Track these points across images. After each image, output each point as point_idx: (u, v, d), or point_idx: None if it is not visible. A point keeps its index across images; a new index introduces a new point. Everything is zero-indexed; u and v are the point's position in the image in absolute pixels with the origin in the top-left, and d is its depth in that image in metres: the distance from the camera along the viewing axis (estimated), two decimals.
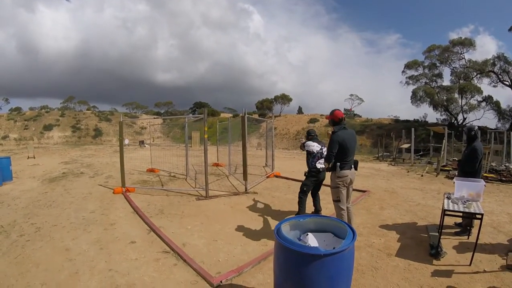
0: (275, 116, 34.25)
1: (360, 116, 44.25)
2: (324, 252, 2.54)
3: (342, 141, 4.85)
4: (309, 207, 6.66)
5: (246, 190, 9.11)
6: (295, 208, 6.67)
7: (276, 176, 11.75)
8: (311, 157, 6.35)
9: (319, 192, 6.87)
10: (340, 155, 4.89)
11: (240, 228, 6.06)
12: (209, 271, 4.27)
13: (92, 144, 40.35)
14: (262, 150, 21.28)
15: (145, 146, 30.74)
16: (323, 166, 6.18)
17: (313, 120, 37.19)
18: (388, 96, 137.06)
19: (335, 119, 5.10)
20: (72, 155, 22.71)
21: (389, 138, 24.27)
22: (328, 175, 5.33)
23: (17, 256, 5.03)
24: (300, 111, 55.25)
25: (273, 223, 6.22)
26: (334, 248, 2.80)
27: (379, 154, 21.32)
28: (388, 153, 21.89)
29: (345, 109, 52.42)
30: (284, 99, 48.86)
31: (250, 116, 12.55)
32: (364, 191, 8.79)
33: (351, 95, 52.75)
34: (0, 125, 42.96)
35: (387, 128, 30.29)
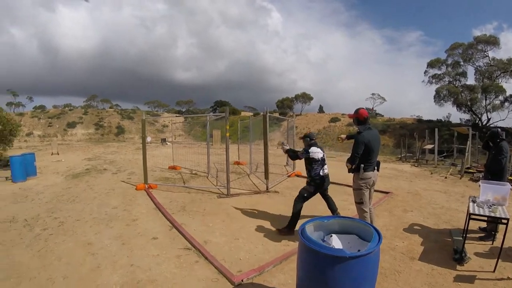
0: (296, 115, 34.14)
1: (382, 116, 43.69)
2: (349, 254, 2.47)
3: (367, 142, 4.67)
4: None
5: (267, 189, 9.04)
6: (316, 209, 6.59)
7: (297, 176, 11.63)
8: (316, 164, 5.82)
9: (328, 194, 6.36)
10: (365, 157, 4.71)
11: (261, 227, 6.00)
12: (230, 269, 4.24)
13: (115, 141, 40.88)
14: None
15: (167, 144, 30.94)
16: (327, 171, 5.99)
17: (334, 120, 36.92)
18: (410, 95, 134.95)
19: (360, 118, 4.89)
20: (95, 152, 23.03)
21: (412, 138, 23.85)
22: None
23: (40, 249, 5.09)
24: (321, 110, 54.94)
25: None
26: (358, 250, 2.76)
27: (402, 155, 20.95)
28: (411, 154, 21.49)
29: (366, 108, 51.85)
30: (304, 97, 48.69)
31: (271, 114, 12.45)
32: (387, 193, 8.61)
33: (373, 94, 52.14)
34: (24, 122, 43.83)
35: (410, 128, 29.82)
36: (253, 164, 12.56)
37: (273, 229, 5.92)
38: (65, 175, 12.19)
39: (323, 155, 5.95)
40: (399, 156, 21.16)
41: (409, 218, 6.56)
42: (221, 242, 5.28)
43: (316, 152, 5.79)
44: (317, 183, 5.85)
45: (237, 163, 14.75)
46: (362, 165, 4.72)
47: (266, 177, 9.11)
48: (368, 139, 4.71)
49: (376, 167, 4.92)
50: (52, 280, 4.11)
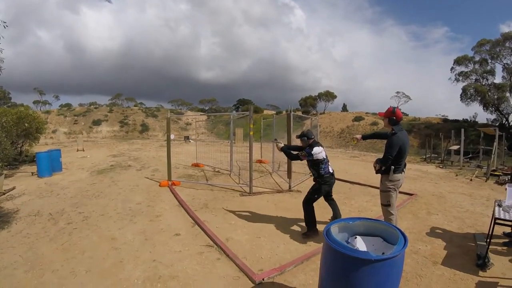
0: (315, 114, 33.88)
1: (407, 115, 42.91)
2: (375, 257, 2.43)
3: (402, 144, 4.50)
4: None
5: (289, 188, 8.96)
6: (339, 208, 6.39)
7: None
8: (322, 163, 5.50)
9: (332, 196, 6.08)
10: (396, 158, 4.53)
11: (283, 227, 5.92)
12: (252, 268, 4.20)
13: (139, 139, 41.39)
14: None
15: (190, 141, 31.18)
16: (332, 169, 5.68)
17: (358, 118, 36.40)
18: (435, 93, 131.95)
19: (397, 118, 4.65)
20: (120, 149, 23.37)
21: (438, 138, 23.33)
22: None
23: (63, 243, 5.16)
24: (344, 108, 54.31)
25: (317, 225, 6.01)
26: (383, 253, 2.72)
27: (427, 155, 20.54)
28: (436, 155, 21.04)
29: (390, 107, 51.19)
30: (328, 96, 48.28)
31: (295, 113, 12.32)
32: (411, 194, 8.39)
33: (397, 92, 51.23)
34: (50, 119, 44.86)
35: (436, 128, 29.09)
36: (275, 162, 12.46)
37: (296, 229, 5.85)
38: (90, 171, 12.39)
39: (325, 152, 5.66)
40: (424, 157, 20.72)
41: (433, 221, 6.37)
42: (243, 240, 5.24)
43: (319, 153, 5.47)
44: (327, 180, 5.56)
45: (260, 161, 14.71)
46: (392, 167, 4.56)
47: (289, 176, 9.03)
48: (403, 140, 4.55)
49: (403, 169, 4.76)
50: (75, 273, 4.15)
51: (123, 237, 5.39)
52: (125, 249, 4.88)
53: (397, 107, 4.79)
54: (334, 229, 3.01)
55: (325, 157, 5.56)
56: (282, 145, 5.86)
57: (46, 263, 4.47)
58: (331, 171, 5.61)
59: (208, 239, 5.28)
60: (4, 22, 5.11)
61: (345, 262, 2.53)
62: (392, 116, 4.66)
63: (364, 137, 5.37)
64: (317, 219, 5.64)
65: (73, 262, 4.48)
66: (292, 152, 5.78)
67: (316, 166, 5.53)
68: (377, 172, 4.78)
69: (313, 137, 5.77)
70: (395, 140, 4.50)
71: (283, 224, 6.07)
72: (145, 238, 5.32)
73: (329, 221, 6.05)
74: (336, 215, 5.87)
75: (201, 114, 47.66)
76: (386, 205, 4.73)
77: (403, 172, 4.71)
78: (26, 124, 14.14)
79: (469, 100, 30.16)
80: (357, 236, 3.07)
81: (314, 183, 5.71)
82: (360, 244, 2.98)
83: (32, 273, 4.17)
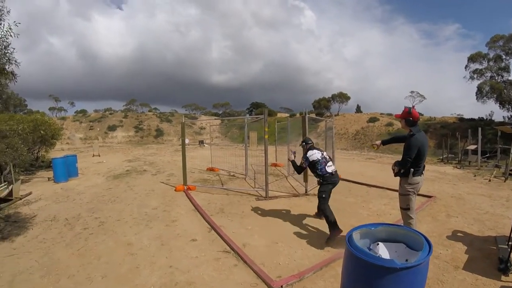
0: (330, 116, 33.62)
1: (422, 115, 42.33)
2: (400, 265, 2.34)
3: (421, 146, 4.38)
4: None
5: (306, 191, 8.84)
6: (357, 212, 6.44)
7: None
8: (318, 164, 5.80)
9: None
10: (415, 161, 4.40)
11: (300, 231, 5.83)
12: (270, 274, 4.11)
13: (154, 144, 41.75)
14: None
15: (204, 146, 31.24)
16: (334, 168, 5.89)
17: (372, 119, 36.00)
18: (449, 91, 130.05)
19: (414, 118, 4.56)
20: (135, 154, 23.52)
21: (454, 138, 22.92)
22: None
23: (79, 248, 5.16)
24: (358, 109, 53.76)
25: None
26: (406, 260, 2.65)
27: (444, 156, 20.18)
28: (453, 155, 20.67)
29: (405, 107, 50.59)
30: (342, 97, 47.99)
31: (310, 116, 12.21)
32: (429, 197, 8.20)
33: (412, 92, 50.41)
34: (66, 125, 45.58)
35: (452, 128, 28.58)
36: (291, 166, 12.35)
37: (313, 234, 5.75)
38: (106, 176, 12.44)
39: (322, 154, 5.93)
40: (441, 158, 20.35)
41: (452, 224, 6.19)
42: (260, 246, 5.15)
43: (312, 154, 5.87)
44: (327, 179, 5.75)
45: (275, 164, 14.59)
46: (412, 170, 4.43)
47: (305, 180, 8.91)
48: (422, 142, 4.42)
49: (422, 171, 4.62)
50: (91, 279, 4.14)
51: (139, 242, 5.37)
52: (141, 255, 4.85)
53: (413, 107, 4.63)
54: (356, 236, 2.93)
55: (320, 158, 5.82)
56: (293, 158, 6.34)
57: (62, 268, 4.46)
58: (329, 171, 5.75)
59: (225, 244, 5.21)
60: (15, 32, 5.09)
61: (368, 270, 2.45)
62: (408, 117, 4.58)
63: (384, 143, 5.26)
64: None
65: (89, 267, 4.47)
66: (296, 163, 6.17)
67: (313, 167, 5.86)
68: (395, 175, 4.66)
69: (310, 142, 6.25)
70: (414, 141, 4.38)
71: (300, 229, 5.98)
72: (161, 244, 5.28)
73: (314, 215, 6.62)
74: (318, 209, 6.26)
75: (215, 119, 47.78)
76: (405, 208, 4.60)
77: (422, 175, 4.59)
78: (42, 131, 14.32)
79: (484, 98, 29.61)
80: (379, 243, 2.99)
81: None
82: (383, 250, 2.90)
83: (48, 279, 4.17)
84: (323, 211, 5.66)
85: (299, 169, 6.09)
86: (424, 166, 4.60)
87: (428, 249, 2.54)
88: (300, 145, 6.58)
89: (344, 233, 5.36)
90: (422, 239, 2.70)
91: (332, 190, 5.83)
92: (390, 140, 5.31)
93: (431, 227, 6.02)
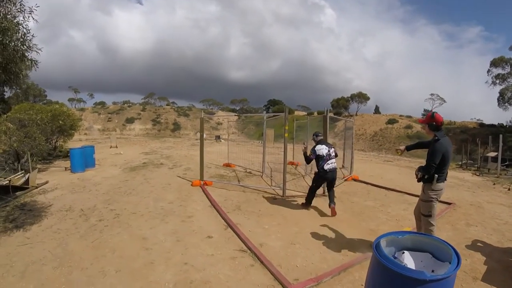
0: (350, 116, 33.29)
1: None
2: (429, 277, 2.28)
3: (445, 151, 4.25)
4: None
5: (324, 192, 8.63)
6: (376, 217, 6.43)
7: (354, 180, 11.11)
8: (321, 160, 6.73)
9: (333, 188, 7.07)
10: (439, 166, 4.28)
11: (318, 233, 5.66)
12: (287, 277, 3.99)
13: (171, 137, 42.07)
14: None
15: (220, 141, 31.28)
16: (332, 166, 6.77)
17: (391, 121, 35.66)
18: (470, 96, 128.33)
19: (437, 123, 4.42)
20: (152, 147, 23.67)
21: (474, 144, 22.39)
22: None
23: (94, 240, 5.12)
24: (377, 110, 53.43)
25: (352, 232, 5.75)
26: (432, 271, 2.62)
27: (463, 162, 19.71)
28: (472, 161, 20.18)
29: (425, 110, 49.93)
30: (361, 97, 47.69)
31: (332, 115, 12.06)
32: (449, 204, 7.97)
33: (432, 94, 49.87)
34: (85, 117, 46.28)
35: (472, 133, 28.13)
36: (308, 165, 12.17)
37: (331, 236, 5.58)
38: (122, 168, 12.47)
39: (328, 151, 6.80)
40: (460, 163, 19.91)
41: (472, 234, 5.97)
42: (277, 246, 5.03)
43: (320, 149, 6.76)
44: (321, 175, 6.82)
45: (292, 163, 14.38)
46: (436, 176, 4.30)
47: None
48: (446, 147, 4.30)
49: (446, 178, 4.49)
50: (104, 272, 4.10)
51: (154, 237, 5.29)
52: (156, 250, 4.78)
53: (436, 112, 4.44)
54: (382, 243, 2.83)
55: (324, 155, 6.72)
56: (305, 149, 7.02)
57: (76, 260, 4.43)
58: (326, 168, 6.70)
59: (241, 243, 5.10)
60: (34, 17, 5.02)
61: (396, 280, 2.39)
62: (431, 121, 4.46)
63: (408, 148, 5.16)
64: (351, 227, 5.86)
65: (103, 260, 4.42)
66: (307, 154, 6.94)
67: (317, 161, 6.81)
68: (419, 181, 4.52)
69: (320, 135, 7.23)
70: (438, 147, 4.26)
71: (318, 230, 5.81)
72: (177, 239, 5.20)
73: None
74: (330, 200, 6.92)
75: (234, 115, 47.94)
76: (427, 215, 4.51)
77: (445, 181, 4.47)
78: (61, 121, 14.44)
79: (506, 104, 29.02)
80: (404, 251, 2.90)
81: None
82: (408, 260, 2.81)
83: (60, 270, 4.14)
84: (309, 189, 7.17)
85: (307, 159, 7.01)
86: (447, 173, 4.49)
87: (457, 261, 2.50)
88: (312, 139, 7.32)
89: (362, 236, 5.54)
90: (451, 250, 2.63)
91: (324, 182, 7.11)
92: (415, 146, 5.20)
93: (450, 235, 5.83)
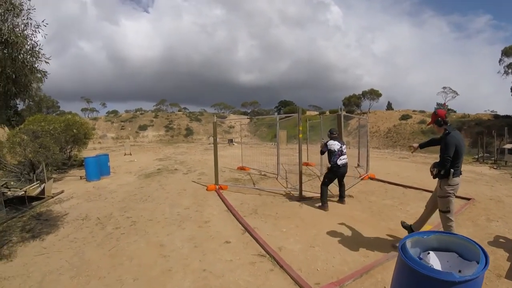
0: (363, 113, 32.93)
1: (455, 111, 41.02)
2: (458, 279, 2.19)
3: (458, 144, 4.24)
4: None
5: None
6: (395, 215, 6.32)
7: (371, 179, 10.94)
8: (333, 155, 7.05)
9: (343, 181, 7.57)
10: (453, 160, 4.25)
11: (337, 235, 5.54)
12: (308, 281, 3.89)
13: (184, 142, 42.34)
14: (350, 149, 20.37)
15: (233, 144, 31.27)
16: (344, 161, 7.12)
17: (405, 117, 35.10)
18: (482, 87, 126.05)
19: (442, 117, 4.49)
20: (166, 153, 23.79)
21: (490, 136, 21.94)
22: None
23: (111, 249, 5.09)
24: (389, 106, 52.81)
25: (372, 232, 5.64)
26: (459, 271, 2.52)
27: (479, 155, 19.32)
28: (488, 154, 19.78)
29: (437, 104, 49.35)
30: (372, 94, 47.27)
31: (346, 114, 11.88)
32: (468, 199, 7.78)
33: (444, 87, 49.06)
34: (98, 125, 46.89)
35: (486, 125, 27.51)
36: (323, 165, 12.03)
37: (351, 237, 5.46)
38: (137, 175, 12.52)
39: (340, 147, 7.11)
40: (476, 157, 19.52)
41: (493, 229, 5.80)
42: (296, 250, 4.92)
43: (332, 145, 7.08)
44: (333, 170, 7.10)
45: (306, 164, 14.25)
46: (452, 170, 4.26)
47: None
48: (458, 139, 4.29)
49: (461, 171, 4.46)
50: (122, 281, 4.05)
51: (171, 243, 5.24)
52: (173, 257, 4.72)
53: (442, 105, 4.48)
54: (408, 244, 2.73)
55: (336, 150, 7.04)
56: (323, 144, 7.43)
57: (93, 269, 4.40)
58: (339, 163, 7.03)
59: (260, 247, 5.01)
60: (43, 32, 5.01)
61: (423, 283, 2.32)
62: (437, 118, 4.55)
63: (421, 146, 5.22)
64: (370, 227, 5.79)
65: (120, 269, 4.38)
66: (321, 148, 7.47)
67: (329, 155, 7.16)
68: (434, 177, 4.50)
69: (335, 133, 7.41)
70: (450, 139, 4.26)
71: (336, 232, 5.69)
72: (194, 246, 5.13)
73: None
74: (341, 195, 7.62)
75: (246, 118, 48.01)
76: (445, 211, 4.47)
77: (461, 175, 4.46)
78: (74, 130, 14.60)
79: None
80: (430, 252, 2.80)
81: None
82: (434, 260, 2.73)
83: (78, 280, 4.11)
84: (321, 190, 7.18)
85: (321, 151, 7.58)
86: (461, 167, 4.47)
87: (485, 261, 2.38)
88: (327, 135, 7.56)
89: (382, 236, 5.47)
90: (478, 249, 2.54)
91: (337, 176, 7.28)
92: (428, 143, 5.19)
93: (471, 231, 5.67)
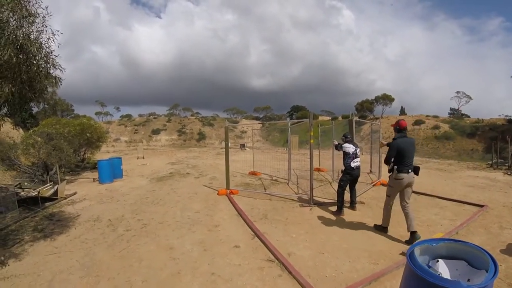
0: (376, 118, 32.68)
1: (469, 116, 40.50)
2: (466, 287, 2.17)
3: (399, 148, 5.41)
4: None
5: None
6: (404, 222, 6.04)
7: (383, 185, 10.83)
8: (347, 157, 7.26)
9: (355, 187, 7.70)
10: (398, 160, 5.46)
11: (347, 241, 5.50)
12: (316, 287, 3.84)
13: (196, 147, 42.44)
14: (363, 155, 20.19)
15: (245, 149, 31.28)
16: (357, 164, 7.33)
17: (418, 122, 34.68)
18: (496, 91, 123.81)
19: (400, 127, 5.68)
20: (178, 157, 23.84)
21: (504, 141, 21.51)
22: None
23: (121, 250, 5.12)
24: (402, 111, 52.29)
25: (382, 238, 5.63)
26: (468, 280, 2.51)
27: (493, 161, 18.96)
28: (502, 160, 19.40)
29: (451, 109, 48.93)
30: (385, 99, 46.89)
31: (359, 119, 11.86)
32: (481, 206, 7.67)
33: (458, 92, 48.70)
34: (112, 129, 47.42)
35: (501, 130, 26.96)
36: (335, 171, 11.96)
37: (361, 245, 5.40)
38: (149, 178, 12.60)
39: (355, 150, 7.33)
40: (490, 163, 19.16)
41: (506, 237, 5.70)
42: (306, 256, 4.90)
43: (348, 147, 7.31)
44: (348, 172, 7.25)
45: (318, 169, 14.17)
46: (396, 167, 5.49)
47: None
48: (401, 145, 5.45)
49: (412, 171, 5.58)
50: (131, 282, 4.08)
51: (181, 246, 5.26)
52: (183, 260, 4.74)
53: (402, 119, 5.24)
54: (416, 252, 2.70)
55: (350, 153, 7.25)
56: (337, 143, 7.93)
57: (103, 270, 4.44)
58: (353, 165, 7.22)
59: (269, 253, 5.01)
60: (57, 41, 5.07)
61: None
62: (396, 125, 5.78)
63: (388, 144, 6.02)
64: (380, 234, 5.91)
65: (129, 270, 4.41)
66: (337, 147, 7.79)
67: (344, 158, 7.39)
68: (388, 172, 5.72)
69: (349, 137, 7.69)
70: (393, 144, 5.51)
71: (347, 238, 5.66)
72: (204, 249, 5.15)
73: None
74: (352, 200, 7.69)
75: (258, 123, 48.07)
76: (387, 195, 5.84)
77: (409, 173, 5.53)
78: (88, 134, 14.81)
79: None
80: (439, 260, 2.77)
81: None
82: (443, 268, 2.70)
83: (87, 280, 4.16)
84: (338, 194, 7.24)
85: (336, 148, 7.96)
86: (417, 168, 5.69)
87: (494, 270, 2.35)
88: (341, 139, 7.83)
89: (392, 243, 5.48)
90: (488, 258, 2.48)
91: (351, 179, 7.38)
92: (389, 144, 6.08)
93: (484, 239, 5.61)
